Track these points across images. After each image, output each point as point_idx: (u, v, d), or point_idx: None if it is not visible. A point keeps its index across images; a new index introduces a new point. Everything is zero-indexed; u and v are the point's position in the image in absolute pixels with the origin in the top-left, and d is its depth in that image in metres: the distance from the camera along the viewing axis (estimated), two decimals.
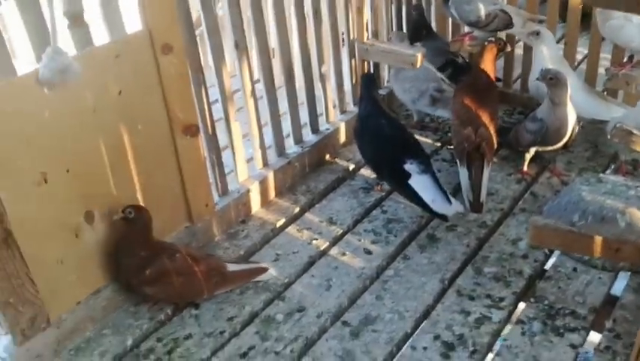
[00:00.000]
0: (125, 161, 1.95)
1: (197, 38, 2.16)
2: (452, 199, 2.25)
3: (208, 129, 2.23)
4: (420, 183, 2.24)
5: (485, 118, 2.49)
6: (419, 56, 2.59)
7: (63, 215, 1.82)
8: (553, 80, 2.36)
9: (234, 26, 2.25)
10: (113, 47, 1.82)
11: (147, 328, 1.95)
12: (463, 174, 2.45)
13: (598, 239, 1.35)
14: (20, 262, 1.68)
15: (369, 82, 2.52)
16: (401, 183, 2.28)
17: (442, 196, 2.23)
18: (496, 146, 2.57)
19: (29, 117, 1.67)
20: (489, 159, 2.45)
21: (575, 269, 2.11)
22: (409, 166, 2.25)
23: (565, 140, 2.50)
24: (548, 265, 2.18)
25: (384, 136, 2.38)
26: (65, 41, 1.73)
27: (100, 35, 1.86)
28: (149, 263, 1.92)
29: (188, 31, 2.06)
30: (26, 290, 1.73)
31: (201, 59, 2.19)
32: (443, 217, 2.27)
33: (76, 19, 1.76)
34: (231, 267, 2.07)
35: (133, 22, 1.91)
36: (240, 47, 2.28)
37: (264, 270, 2.09)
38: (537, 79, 2.39)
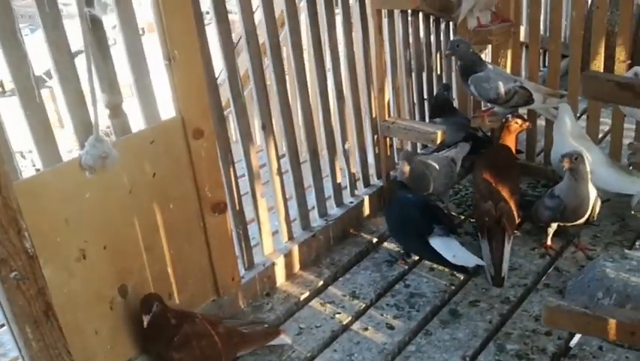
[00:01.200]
0: (158, 237, 2.06)
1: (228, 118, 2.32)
2: (473, 256, 2.37)
3: (235, 205, 2.34)
4: (441, 242, 2.39)
5: (505, 192, 2.55)
6: (439, 133, 2.69)
7: (99, 288, 1.92)
8: (578, 158, 2.39)
9: (261, 110, 2.40)
10: (149, 134, 1.98)
11: None
12: (485, 247, 2.48)
13: (612, 322, 1.36)
14: (58, 333, 1.76)
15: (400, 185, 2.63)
16: (424, 244, 2.41)
17: (463, 252, 2.37)
18: (517, 220, 2.61)
19: (71, 199, 1.81)
20: (510, 233, 2.49)
21: (600, 348, 2.08)
22: (434, 230, 2.39)
23: (586, 217, 2.51)
24: (573, 343, 2.16)
25: (414, 205, 2.52)
26: (106, 129, 1.90)
27: (137, 121, 2.02)
28: (175, 331, 2.00)
29: (218, 115, 2.21)
30: (62, 359, 1.82)
31: (231, 136, 2.34)
32: (464, 270, 2.41)
33: (115, 110, 1.92)
34: (246, 328, 2.15)
35: (167, 109, 2.08)
36: (267, 128, 2.42)
37: (277, 332, 2.17)
38: (560, 161, 2.43)
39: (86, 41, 1.76)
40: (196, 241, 2.19)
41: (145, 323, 1.93)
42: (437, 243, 2.39)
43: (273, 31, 2.37)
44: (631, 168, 2.83)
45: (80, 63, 1.78)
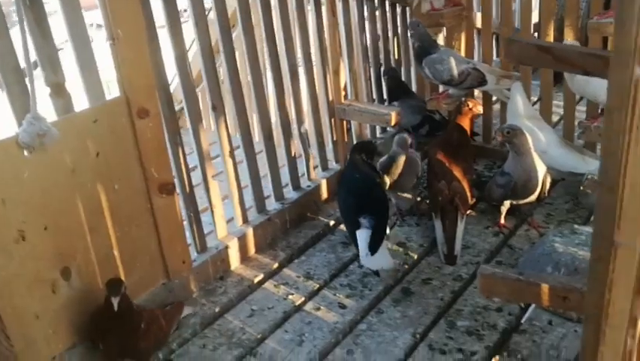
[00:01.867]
0: (102, 219, 2.02)
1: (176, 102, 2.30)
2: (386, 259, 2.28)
3: (185, 187, 2.32)
4: (361, 235, 2.27)
5: (458, 172, 2.56)
6: (393, 115, 2.70)
7: (40, 271, 1.88)
8: (510, 132, 2.42)
9: (211, 90, 2.37)
10: (92, 113, 1.94)
11: None
12: (438, 226, 2.49)
13: (545, 287, 1.37)
14: None
15: (355, 149, 2.59)
16: (352, 232, 2.34)
17: (380, 254, 2.26)
18: (471, 200, 2.62)
19: (9, 178, 1.76)
20: (463, 212, 2.50)
21: (550, 322, 2.11)
22: (362, 220, 2.29)
23: (536, 192, 2.54)
24: (524, 319, 2.18)
25: (354, 189, 2.46)
26: (47, 108, 1.86)
27: (82, 102, 1.98)
28: (140, 318, 1.95)
29: (165, 95, 2.18)
30: (0, 344, 1.77)
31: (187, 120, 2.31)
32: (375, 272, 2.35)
33: (57, 88, 1.88)
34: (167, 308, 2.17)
35: (113, 89, 2.05)
36: (218, 109, 2.39)
37: (182, 305, 2.19)
38: (493, 139, 2.44)
39: (20, 14, 1.72)
40: (144, 223, 2.16)
41: (115, 306, 1.84)
42: (361, 235, 2.28)
43: (222, 11, 2.35)
44: (584, 147, 2.88)
45: (17, 37, 1.74)
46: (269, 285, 2.42)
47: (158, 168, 2.13)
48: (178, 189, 2.26)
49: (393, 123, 2.73)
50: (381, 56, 3.29)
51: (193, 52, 2.84)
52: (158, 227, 2.18)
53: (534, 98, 3.37)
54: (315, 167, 3.00)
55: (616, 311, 0.86)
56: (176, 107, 2.59)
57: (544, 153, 2.71)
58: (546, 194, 2.60)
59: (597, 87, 2.47)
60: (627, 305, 0.83)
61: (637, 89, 0.73)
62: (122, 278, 2.07)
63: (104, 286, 1.91)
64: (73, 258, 1.96)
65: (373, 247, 2.24)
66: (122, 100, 2.01)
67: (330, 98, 2.88)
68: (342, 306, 2.27)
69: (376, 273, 2.36)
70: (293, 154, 2.79)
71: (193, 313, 2.25)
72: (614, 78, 0.77)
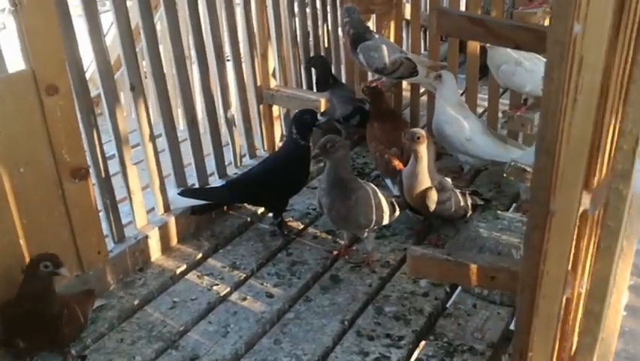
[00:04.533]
0: (6, 205, 1.84)
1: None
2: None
3: (101, 172, 2.16)
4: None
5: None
6: (322, 101, 2.65)
7: None
8: (420, 139, 2.27)
9: (130, 69, 2.22)
10: None
11: None
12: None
13: (473, 267, 1.36)
14: None
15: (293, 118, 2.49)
16: None
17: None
18: None
19: None
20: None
21: (474, 305, 2.13)
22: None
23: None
24: (449, 304, 2.20)
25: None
26: None
27: None
28: (62, 304, 1.82)
29: (78, 72, 2.02)
30: None
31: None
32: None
33: None
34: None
35: (17, 61, 1.86)
36: (137, 89, 2.25)
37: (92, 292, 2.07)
38: (404, 141, 2.33)
39: None
40: (54, 210, 1.99)
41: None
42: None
43: None
44: (506, 135, 2.95)
45: None
46: (192, 276, 2.30)
47: (70, 150, 1.96)
48: (93, 175, 2.10)
49: (322, 110, 2.68)
50: (311, 43, 3.23)
51: (112, 35, 2.67)
52: (70, 215, 2.02)
53: (460, 91, 3.43)
54: (243, 155, 2.91)
55: (550, 280, 0.84)
56: (93, 93, 2.43)
57: (468, 141, 2.75)
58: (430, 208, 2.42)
59: (523, 78, 2.54)
60: (562, 275, 0.82)
61: (575, 46, 0.71)
62: (22, 268, 1.89)
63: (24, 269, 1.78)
64: None
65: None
66: (27, 74, 1.83)
67: (259, 83, 2.79)
68: (270, 295, 2.20)
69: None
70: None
71: (107, 305, 2.10)
72: (554, 34, 0.75)
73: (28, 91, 1.84)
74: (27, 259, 1.91)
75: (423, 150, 2.29)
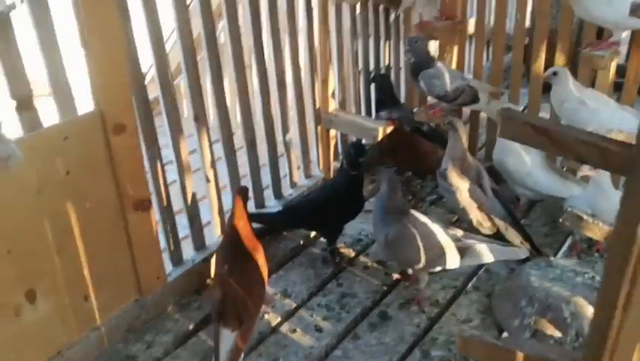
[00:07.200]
0: (71, 238, 1.94)
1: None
2: None
3: (163, 201, 2.24)
4: None
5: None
6: (380, 130, 2.63)
7: (2, 294, 1.80)
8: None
9: (194, 99, 2.27)
10: (62, 129, 1.84)
11: None
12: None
13: (520, 356, 1.35)
14: None
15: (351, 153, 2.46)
16: None
17: None
18: None
19: None
20: None
21: None
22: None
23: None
24: None
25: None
26: (13, 124, 1.75)
27: (51, 116, 1.87)
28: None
29: (143, 106, 2.08)
30: None
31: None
32: None
33: (23, 102, 1.77)
34: None
35: (85, 102, 1.93)
36: (201, 120, 2.30)
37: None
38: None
39: None
40: (116, 241, 2.08)
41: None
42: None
43: (207, 18, 2.23)
44: (564, 169, 2.84)
45: None
46: None
47: (134, 184, 2.04)
48: (154, 204, 2.18)
49: (379, 139, 2.66)
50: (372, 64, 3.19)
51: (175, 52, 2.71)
52: (131, 244, 2.11)
53: (520, 108, 3.32)
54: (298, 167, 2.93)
55: None
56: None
57: (528, 175, 2.68)
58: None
59: (586, 117, 2.43)
60: None
61: None
62: (91, 296, 2.01)
63: None
64: (39, 280, 1.88)
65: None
66: (95, 115, 1.90)
67: (317, 106, 2.79)
68: (319, 329, 2.24)
69: None
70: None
71: (163, 327, 2.19)
72: None
73: (96, 131, 1.91)
74: (90, 288, 2.02)
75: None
